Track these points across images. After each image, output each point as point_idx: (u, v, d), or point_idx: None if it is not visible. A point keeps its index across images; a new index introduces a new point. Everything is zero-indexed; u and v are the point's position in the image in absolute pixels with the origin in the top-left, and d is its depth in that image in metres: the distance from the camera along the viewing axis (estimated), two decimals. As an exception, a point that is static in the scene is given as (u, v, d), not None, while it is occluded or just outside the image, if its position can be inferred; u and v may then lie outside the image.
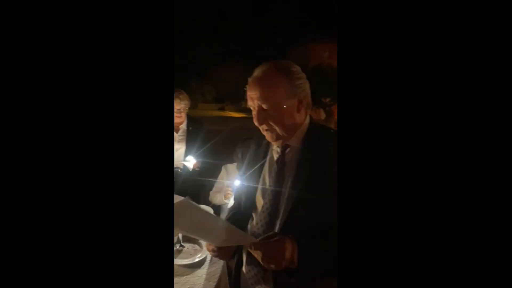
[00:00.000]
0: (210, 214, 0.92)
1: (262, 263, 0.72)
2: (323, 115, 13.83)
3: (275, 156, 0.88)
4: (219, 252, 0.85)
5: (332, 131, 0.87)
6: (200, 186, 2.09)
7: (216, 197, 1.96)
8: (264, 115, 0.80)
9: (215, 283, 1.12)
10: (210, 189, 2.03)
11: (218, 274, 1.16)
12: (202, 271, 1.15)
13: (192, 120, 2.14)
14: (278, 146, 0.87)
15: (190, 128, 2.09)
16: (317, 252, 0.74)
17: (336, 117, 13.32)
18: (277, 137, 0.83)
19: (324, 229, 0.76)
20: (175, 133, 2.04)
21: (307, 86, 0.84)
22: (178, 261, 1.17)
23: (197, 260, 1.18)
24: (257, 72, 0.81)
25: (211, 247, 0.84)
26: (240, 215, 0.92)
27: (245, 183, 0.92)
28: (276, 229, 0.80)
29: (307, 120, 0.87)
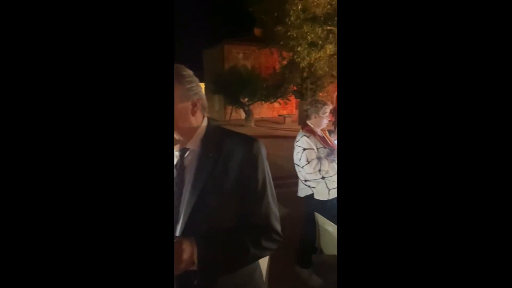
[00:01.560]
0: None
1: None
2: (242, 115, 14.17)
3: (175, 161, 0.86)
4: None
5: (230, 132, 0.88)
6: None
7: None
8: None
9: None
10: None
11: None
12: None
13: None
14: (176, 151, 0.86)
15: None
16: (217, 250, 0.75)
17: (254, 115, 13.79)
18: (174, 142, 0.82)
19: (223, 227, 0.78)
20: None
21: (200, 89, 0.84)
22: None
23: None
24: None
25: None
26: None
27: None
28: (177, 233, 0.79)
29: (205, 123, 0.87)
